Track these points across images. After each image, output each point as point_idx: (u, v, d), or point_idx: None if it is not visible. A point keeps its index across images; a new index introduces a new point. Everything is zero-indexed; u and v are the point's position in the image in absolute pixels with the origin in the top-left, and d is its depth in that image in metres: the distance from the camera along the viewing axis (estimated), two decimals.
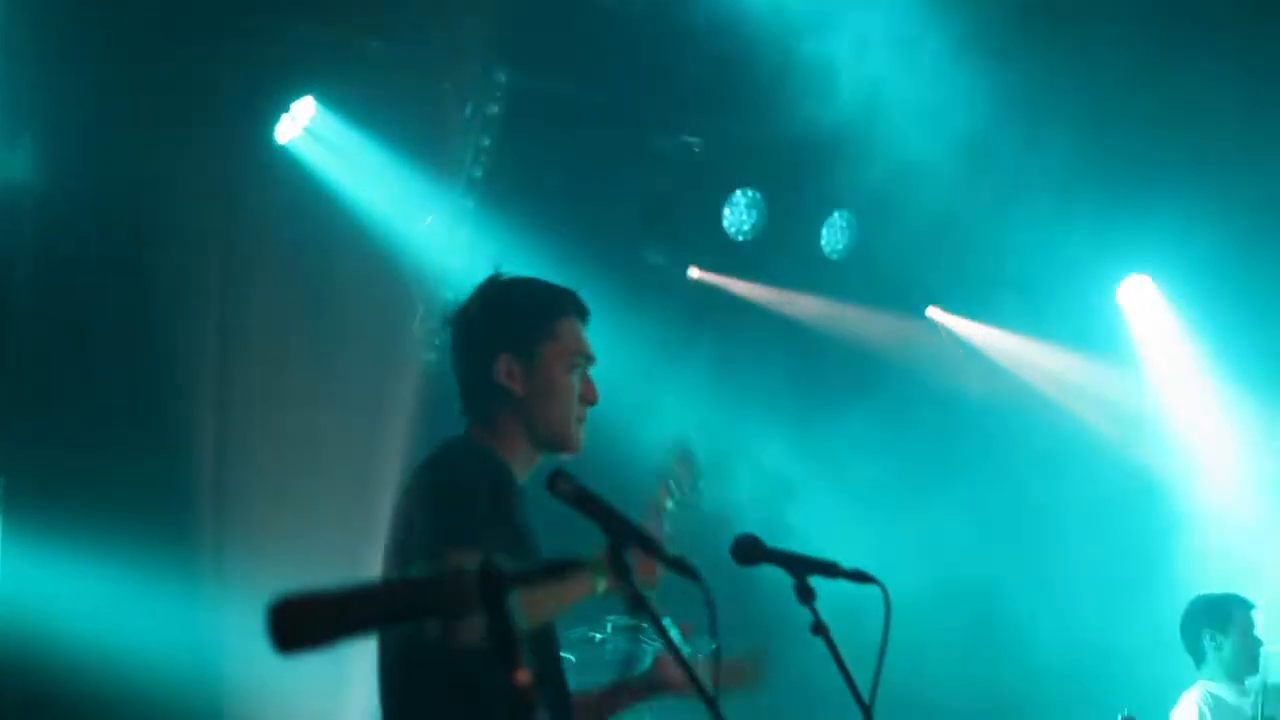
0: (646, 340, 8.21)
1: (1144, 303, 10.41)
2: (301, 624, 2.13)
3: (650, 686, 4.34)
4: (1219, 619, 8.06)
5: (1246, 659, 8.03)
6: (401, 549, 3.89)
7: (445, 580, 2.20)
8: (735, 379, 8.83)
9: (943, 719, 8.59)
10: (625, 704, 4.34)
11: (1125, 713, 6.70)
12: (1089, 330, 10.31)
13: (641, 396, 7.69)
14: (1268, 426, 10.24)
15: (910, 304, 9.98)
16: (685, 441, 4.77)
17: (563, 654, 4.35)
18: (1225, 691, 7.96)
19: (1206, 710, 7.80)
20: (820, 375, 9.44)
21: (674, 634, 3.37)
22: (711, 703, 3.19)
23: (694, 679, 3.21)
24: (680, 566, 3.34)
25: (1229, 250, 9.69)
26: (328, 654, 2.13)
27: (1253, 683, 7.97)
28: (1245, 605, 8.13)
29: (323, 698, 7.45)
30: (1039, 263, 9.66)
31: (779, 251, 9.43)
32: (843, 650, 3.60)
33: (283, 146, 8.05)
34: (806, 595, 3.71)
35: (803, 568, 3.74)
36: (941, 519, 9.09)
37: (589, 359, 4.17)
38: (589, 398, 4.16)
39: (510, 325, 4.13)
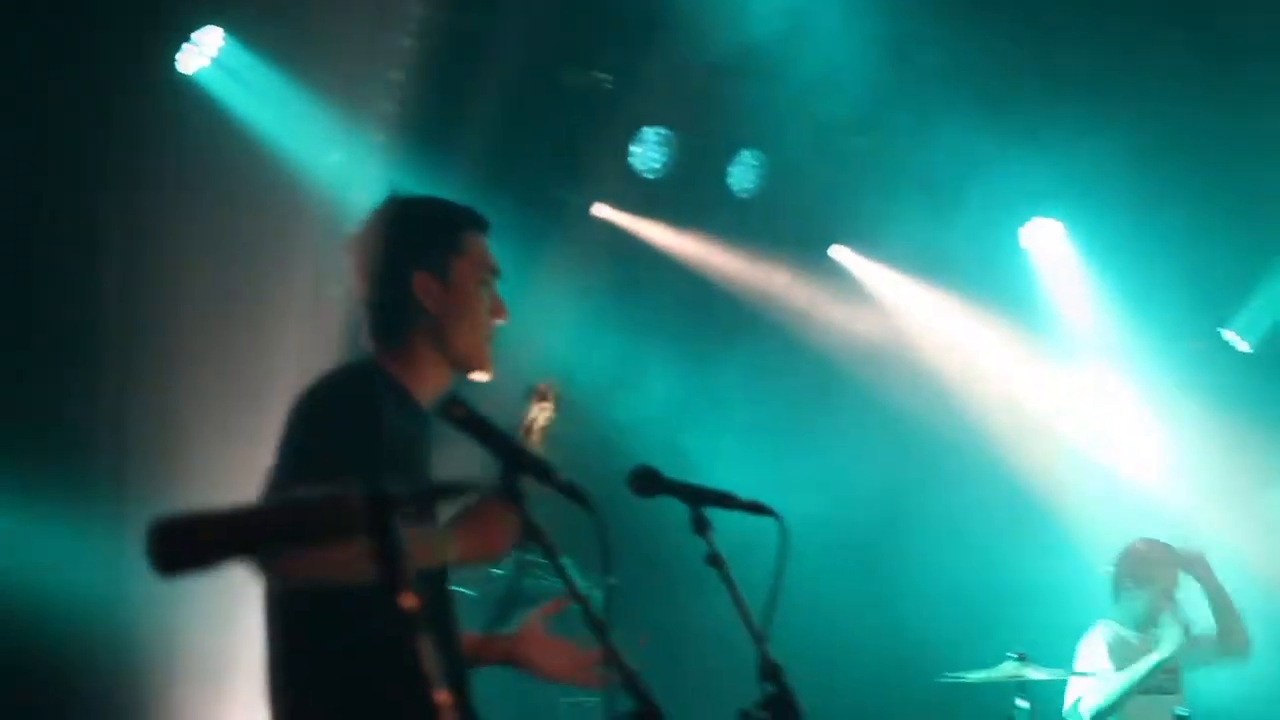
0: (550, 274, 8.20)
1: (1050, 247, 10.48)
2: (181, 545, 2.10)
3: (508, 657, 4.18)
4: (1141, 576, 8.15)
5: (1157, 606, 8.13)
6: (268, 476, 3.80)
7: (329, 501, 2.18)
8: (634, 313, 8.82)
9: (840, 655, 8.64)
10: (487, 661, 4.15)
11: (1018, 650, 6.79)
12: (993, 273, 10.36)
13: (540, 330, 7.70)
14: (1171, 371, 10.37)
15: (815, 243, 9.99)
16: (544, 380, 4.58)
17: (462, 590, 4.25)
18: (1130, 635, 8.06)
19: (1110, 649, 7.89)
20: (719, 311, 9.44)
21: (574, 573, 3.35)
22: (607, 645, 3.20)
23: (592, 620, 3.20)
24: (574, 493, 3.34)
25: (1137, 195, 9.78)
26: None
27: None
28: (1162, 552, 8.21)
29: (224, 635, 7.40)
30: (945, 206, 9.72)
31: (687, 189, 9.42)
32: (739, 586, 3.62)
33: (187, 77, 7.92)
34: (702, 527, 3.73)
35: (699, 499, 3.75)
36: (835, 457, 9.13)
37: (496, 273, 4.09)
38: (499, 313, 4.07)
39: (422, 241, 4.04)
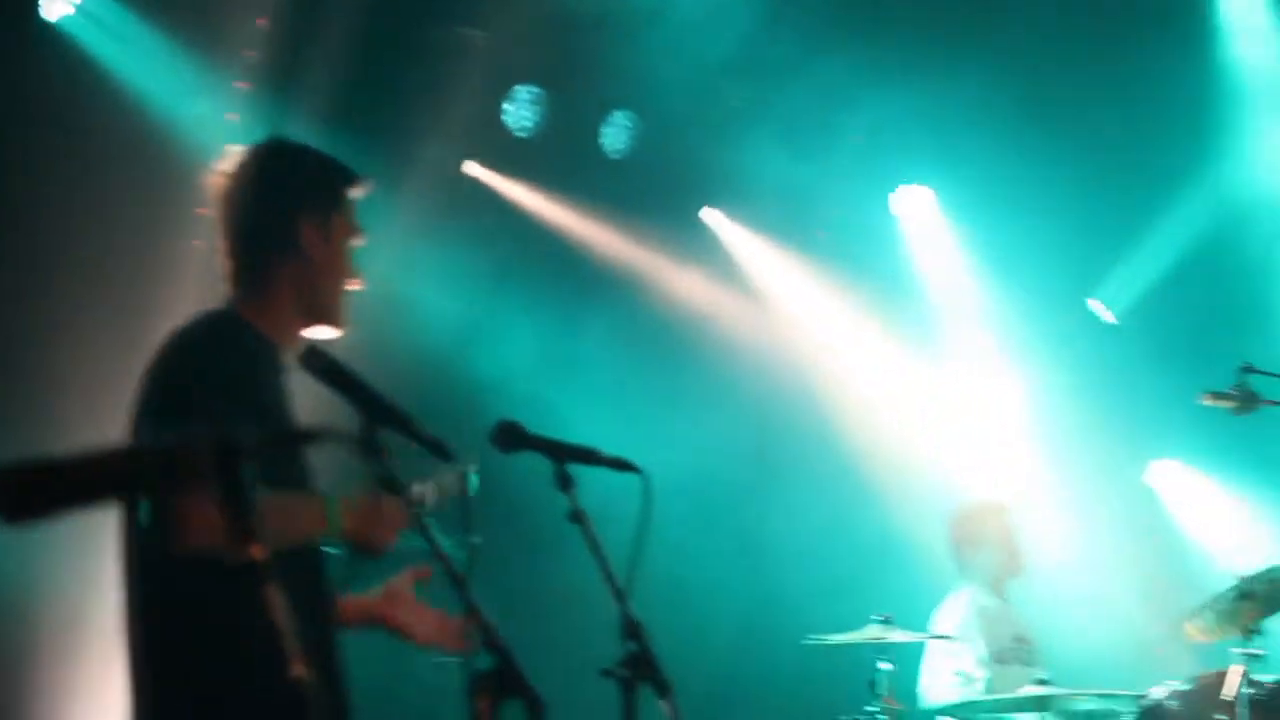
0: (420, 234, 8.14)
1: (919, 213, 10.54)
2: (20, 493, 2.04)
3: (374, 618, 4.08)
4: (973, 534, 8.24)
5: (1005, 565, 8.23)
6: (129, 423, 3.73)
7: (175, 448, 2.12)
8: (502, 269, 8.75)
9: (705, 615, 8.66)
10: (352, 622, 4.05)
11: (882, 613, 6.83)
12: (861, 239, 10.40)
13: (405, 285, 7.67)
14: (1038, 339, 10.49)
15: (685, 206, 9.96)
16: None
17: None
18: (987, 598, 8.14)
19: (971, 616, 7.97)
20: (587, 269, 9.38)
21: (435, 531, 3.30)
22: (468, 603, 3.16)
23: (453, 578, 3.17)
24: (435, 447, 3.30)
25: (1008, 164, 9.86)
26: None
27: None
28: (996, 509, 8.31)
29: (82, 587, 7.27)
30: (815, 170, 9.75)
31: (558, 149, 9.35)
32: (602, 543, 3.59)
33: (52, 24, 7.75)
34: (565, 483, 3.70)
35: (563, 454, 3.72)
36: (700, 415, 9.12)
37: (361, 235, 4.06)
38: (356, 276, 4.03)
39: (308, 190, 3.97)
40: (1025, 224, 10.17)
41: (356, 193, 4.03)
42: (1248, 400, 6.96)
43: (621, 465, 3.75)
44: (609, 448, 3.82)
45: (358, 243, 4.02)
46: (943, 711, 7.57)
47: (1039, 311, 10.55)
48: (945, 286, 10.57)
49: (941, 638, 7.64)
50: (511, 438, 3.74)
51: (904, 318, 10.43)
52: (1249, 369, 6.95)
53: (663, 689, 3.48)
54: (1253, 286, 10.24)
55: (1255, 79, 10.08)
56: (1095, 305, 10.77)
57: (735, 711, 8.62)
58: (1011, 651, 7.93)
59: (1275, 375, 6.97)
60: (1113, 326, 10.77)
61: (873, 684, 6.69)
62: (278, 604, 2.13)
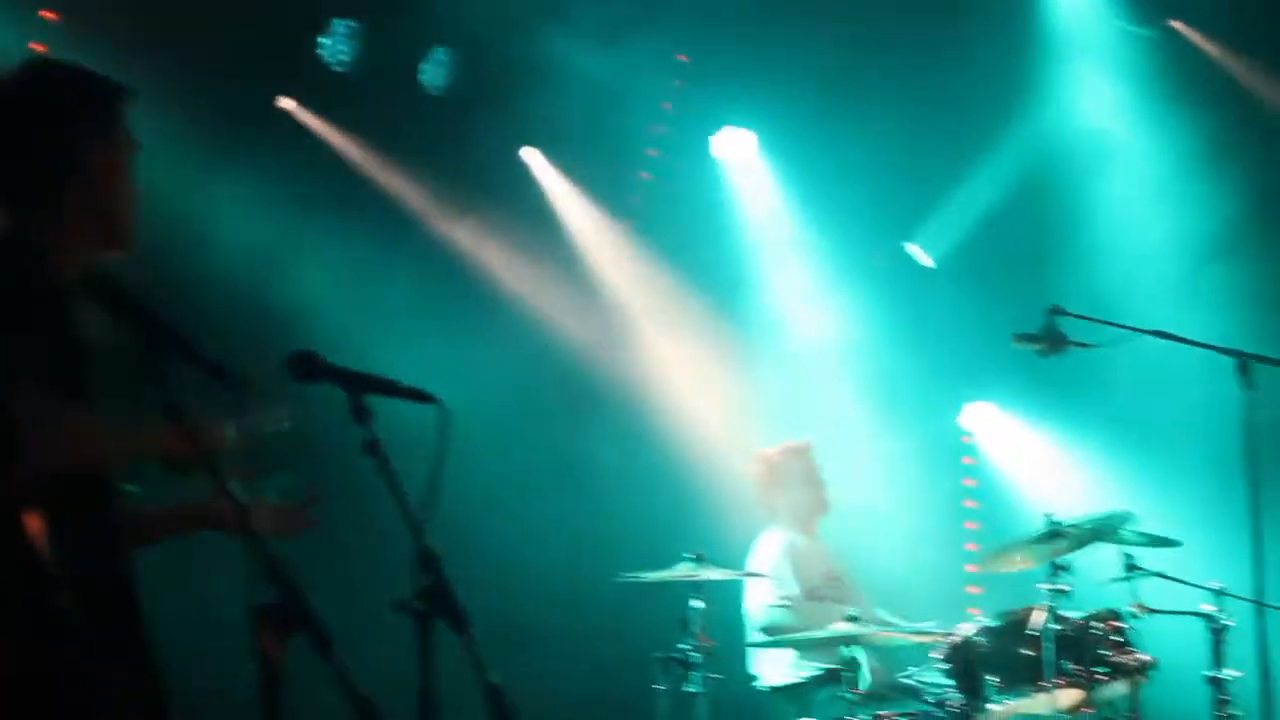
0: (230, 164, 7.97)
1: (740, 156, 10.53)
2: None
3: (204, 520, 3.94)
4: (779, 476, 8.29)
5: (812, 503, 8.29)
6: None
7: None
8: (312, 203, 8.57)
9: (519, 555, 8.61)
10: (170, 532, 3.97)
11: (695, 550, 6.83)
12: (682, 181, 10.36)
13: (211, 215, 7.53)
14: (856, 282, 10.55)
15: (503, 145, 9.84)
16: None
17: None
18: (797, 537, 8.21)
19: (782, 555, 8.03)
20: (400, 206, 9.22)
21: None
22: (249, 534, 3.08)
23: (238, 508, 3.08)
24: (220, 374, 3.21)
25: (828, 108, 9.90)
26: None
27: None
28: (800, 450, 8.36)
29: None
30: (636, 112, 9.71)
31: (377, 84, 9.18)
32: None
33: None
34: (361, 414, 3.60)
35: (359, 385, 3.62)
36: (506, 358, 9.04)
37: (139, 148, 3.90)
38: (141, 191, 3.86)
39: (92, 104, 3.80)
40: (845, 168, 10.23)
41: (129, 107, 3.87)
42: (1056, 342, 7.04)
43: (420, 397, 3.65)
44: (419, 384, 3.73)
45: (134, 158, 3.86)
46: (770, 630, 7.70)
47: (858, 255, 10.62)
48: (765, 229, 10.58)
49: (753, 575, 7.67)
50: (306, 368, 3.63)
51: (724, 259, 10.42)
52: (1058, 311, 7.03)
53: (458, 622, 3.40)
54: (1067, 231, 10.40)
55: (1069, 27, 10.24)
56: (913, 249, 10.86)
57: (551, 648, 8.57)
58: (823, 589, 8.01)
59: (1084, 318, 7.05)
60: (930, 270, 10.87)
61: (685, 621, 6.68)
62: (35, 530, 2.04)
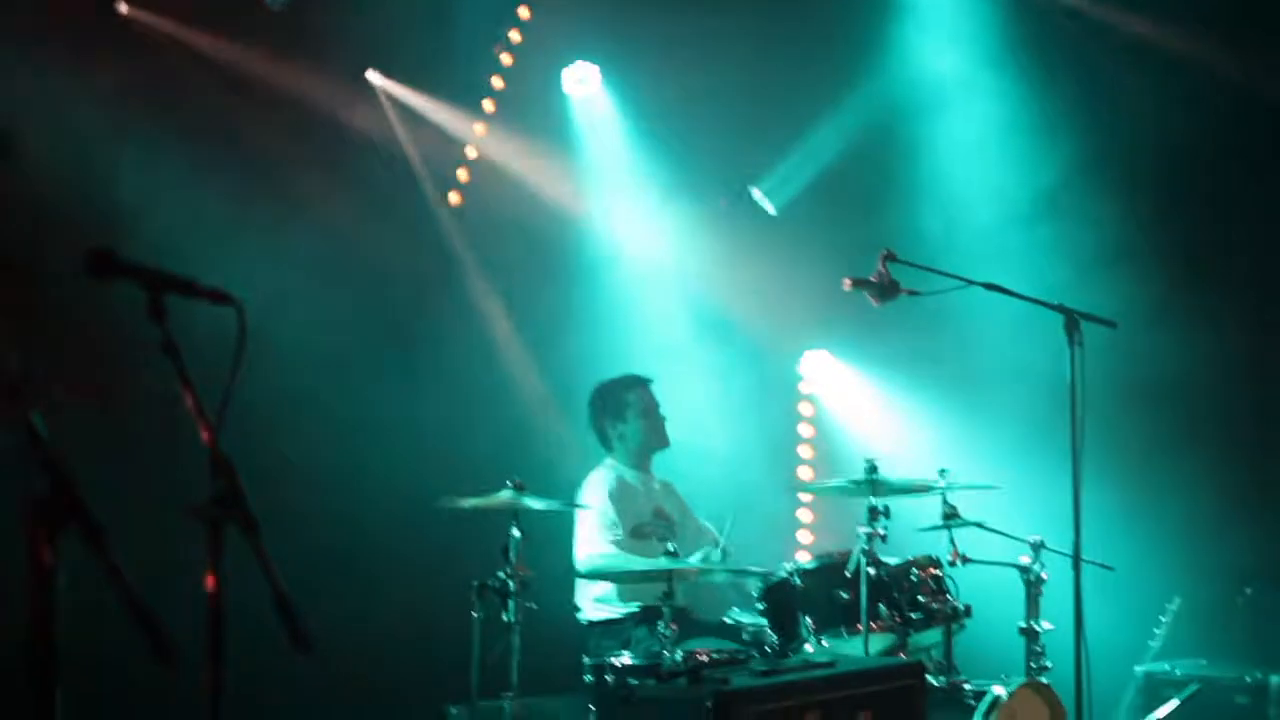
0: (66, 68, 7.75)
1: (588, 92, 10.44)
2: None
3: None
4: (616, 408, 8.26)
5: (650, 437, 8.27)
6: None
7: None
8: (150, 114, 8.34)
9: (343, 479, 8.50)
10: None
11: (514, 478, 6.77)
12: (529, 114, 10.24)
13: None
14: (699, 224, 10.53)
15: (350, 65, 9.64)
16: None
17: None
18: (628, 473, 8.19)
19: (611, 490, 8.00)
20: (240, 126, 9.00)
21: None
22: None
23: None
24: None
25: (677, 46, 9.85)
26: None
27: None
28: (639, 384, 8.33)
29: None
30: (483, 42, 9.62)
31: None
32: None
33: None
34: (159, 313, 3.49)
35: (158, 283, 3.51)
36: (341, 283, 8.88)
37: None
38: None
39: None
40: (693, 111, 10.19)
41: None
42: (888, 288, 7.07)
43: (219, 297, 3.54)
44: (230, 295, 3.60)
45: None
46: (590, 572, 7.67)
47: (703, 198, 10.59)
48: (611, 166, 10.50)
49: (577, 506, 7.65)
50: (103, 264, 3.51)
51: (569, 193, 10.33)
52: (890, 257, 7.05)
53: (248, 526, 3.31)
54: (905, 184, 10.48)
55: None
56: (757, 194, 10.85)
57: (375, 571, 8.48)
58: (650, 526, 8.00)
59: (916, 265, 7.08)
60: (772, 217, 10.88)
61: (505, 550, 6.64)
62: None
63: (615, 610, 7.87)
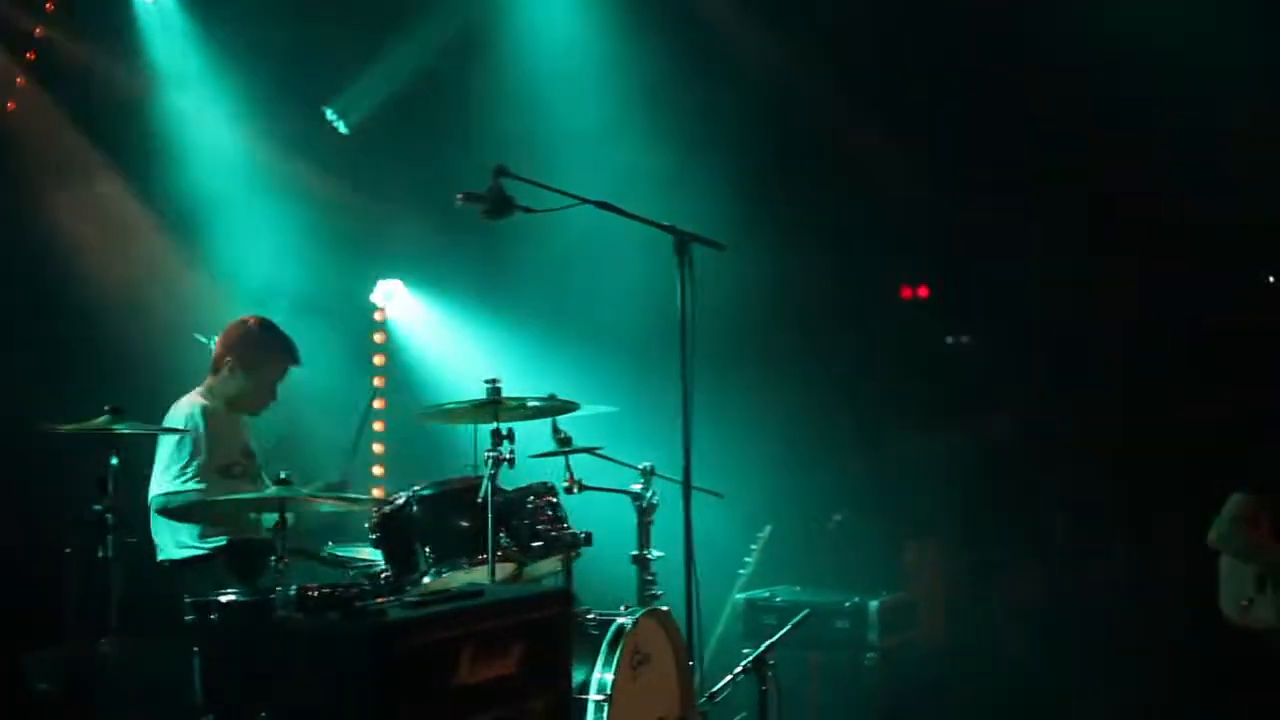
0: None
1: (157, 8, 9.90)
2: None
3: None
4: (249, 359, 7.71)
5: (251, 402, 7.78)
6: None
7: None
8: None
9: None
10: None
11: (112, 403, 6.24)
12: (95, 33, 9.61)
13: None
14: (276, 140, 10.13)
15: None
16: None
17: None
18: (218, 407, 7.67)
19: (199, 421, 7.48)
20: None
21: None
22: None
23: None
24: None
25: None
26: None
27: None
28: (285, 360, 7.83)
29: None
30: None
31: None
32: None
33: None
34: None
35: None
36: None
37: None
38: None
39: None
40: (266, 27, 9.78)
41: None
42: (501, 204, 6.83)
43: None
44: None
45: None
46: (173, 505, 7.21)
47: (279, 117, 10.15)
48: (183, 84, 9.93)
49: (170, 432, 7.20)
50: None
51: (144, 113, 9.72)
52: (503, 173, 6.82)
53: None
54: (488, 104, 10.32)
55: None
56: (330, 115, 10.55)
57: None
58: (240, 466, 7.55)
59: (529, 181, 6.86)
60: (346, 137, 10.57)
61: (100, 480, 6.09)
62: None
63: (196, 548, 7.37)
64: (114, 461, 6.12)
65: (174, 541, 7.40)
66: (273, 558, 6.13)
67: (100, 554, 6.09)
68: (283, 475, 6.33)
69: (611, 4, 10.28)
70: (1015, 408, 10.06)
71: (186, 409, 7.52)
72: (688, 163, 9.78)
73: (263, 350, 7.77)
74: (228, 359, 7.70)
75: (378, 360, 10.96)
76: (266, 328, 7.84)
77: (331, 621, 5.06)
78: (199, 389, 7.68)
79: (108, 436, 6.14)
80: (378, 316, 11.03)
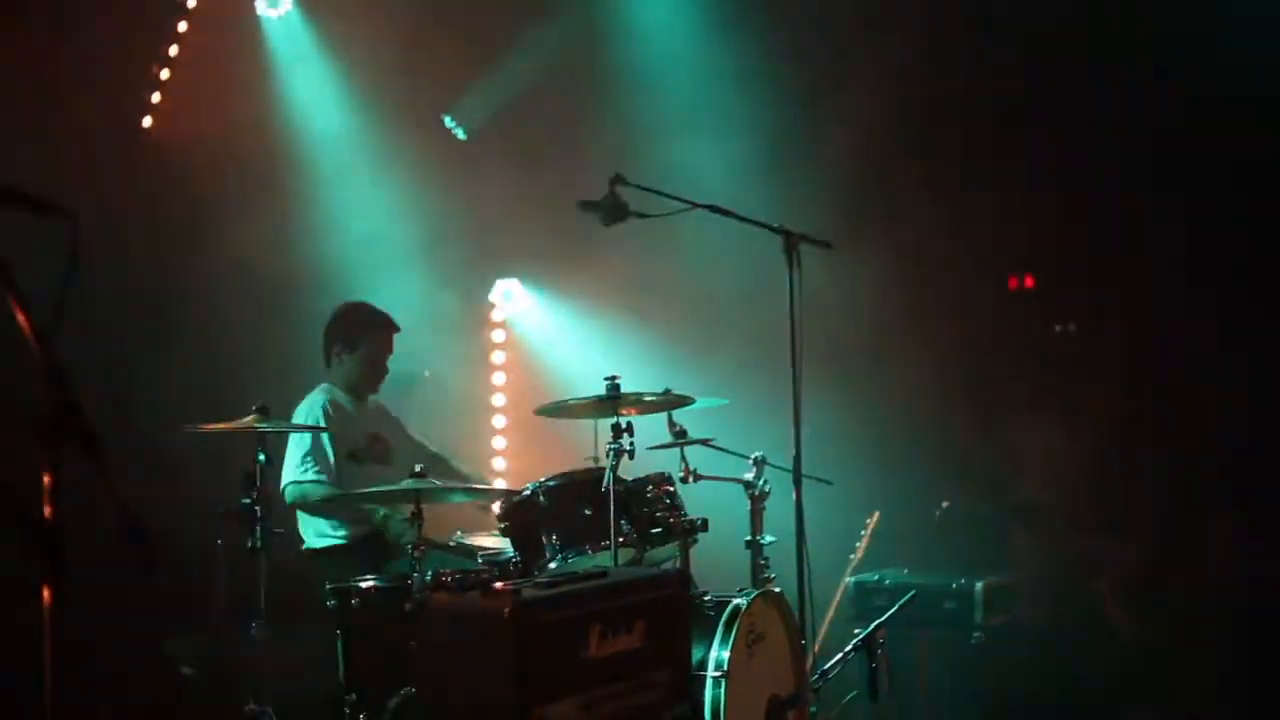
0: None
1: (285, 29, 10.24)
2: None
3: None
4: (350, 339, 8.13)
5: (366, 379, 8.18)
6: None
7: None
8: None
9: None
10: None
11: (259, 401, 6.63)
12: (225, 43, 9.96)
13: None
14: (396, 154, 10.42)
15: None
16: None
17: None
18: (343, 399, 8.09)
19: (326, 412, 7.90)
20: None
21: None
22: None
23: None
24: None
25: None
26: None
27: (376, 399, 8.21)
28: (383, 329, 8.21)
29: None
30: None
31: None
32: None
33: None
34: None
35: None
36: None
37: None
38: None
39: None
40: (389, 41, 10.07)
41: None
42: (616, 211, 7.14)
43: (47, 206, 3.37)
44: None
45: None
46: (309, 499, 7.62)
47: (399, 129, 10.48)
48: (305, 90, 10.29)
49: (304, 428, 7.62)
50: None
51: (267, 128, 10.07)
52: (619, 180, 7.11)
53: (88, 444, 3.15)
54: (604, 110, 10.57)
55: None
56: (449, 122, 10.85)
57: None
58: (366, 451, 7.95)
59: (643, 188, 7.15)
60: (464, 144, 10.87)
61: (248, 475, 6.50)
62: None
63: (335, 538, 7.78)
64: (261, 458, 6.54)
65: (314, 531, 7.81)
66: (409, 545, 6.54)
67: (249, 545, 6.53)
68: (417, 469, 6.74)
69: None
70: (1120, 393, 10.12)
71: (307, 404, 7.96)
72: (795, 159, 10.01)
73: (360, 327, 8.20)
74: (335, 348, 8.15)
75: (496, 359, 11.27)
76: (356, 307, 8.28)
77: (473, 600, 5.41)
78: (321, 385, 8.11)
79: (253, 434, 6.56)
80: (496, 316, 11.35)
